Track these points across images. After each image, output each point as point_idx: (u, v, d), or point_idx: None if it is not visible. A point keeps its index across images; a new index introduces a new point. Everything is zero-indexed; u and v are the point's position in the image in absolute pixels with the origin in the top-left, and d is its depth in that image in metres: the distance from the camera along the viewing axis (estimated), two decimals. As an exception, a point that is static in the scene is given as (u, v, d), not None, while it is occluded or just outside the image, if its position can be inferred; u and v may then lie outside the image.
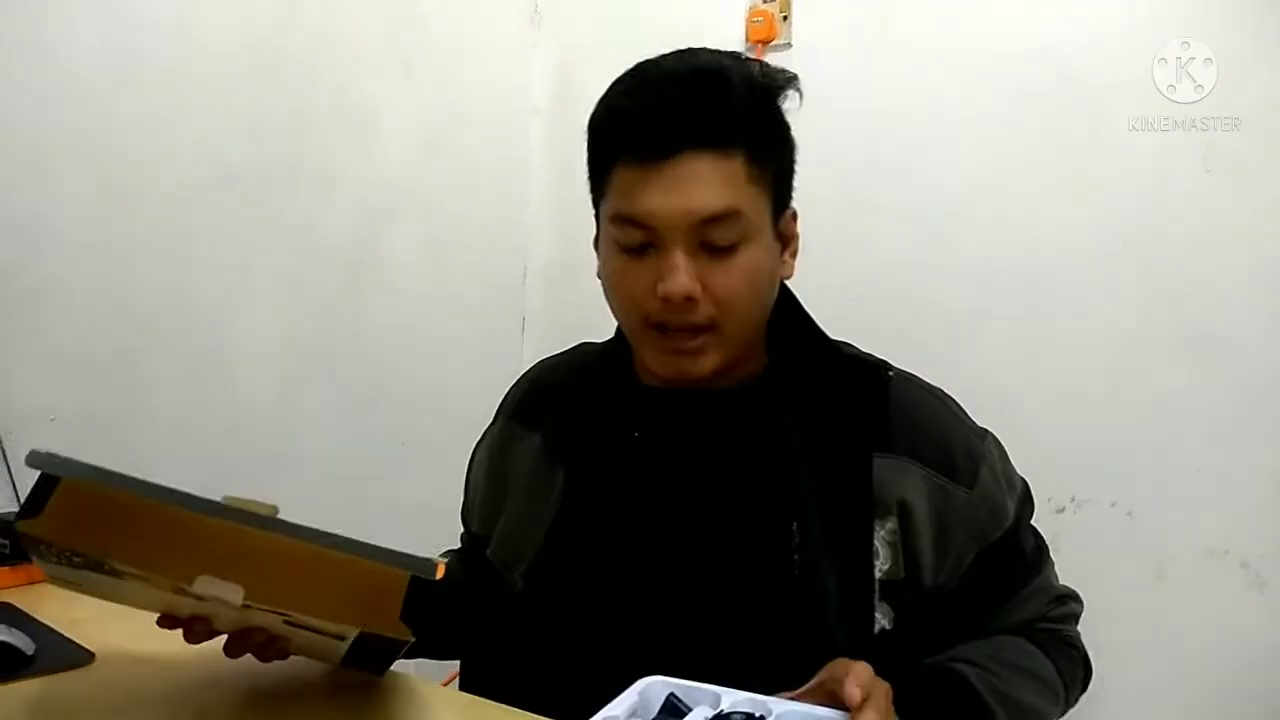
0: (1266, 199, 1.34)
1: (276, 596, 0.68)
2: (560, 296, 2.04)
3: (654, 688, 0.65)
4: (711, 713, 0.61)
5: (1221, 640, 1.36)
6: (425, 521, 1.22)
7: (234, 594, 0.67)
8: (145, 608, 0.78)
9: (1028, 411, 1.42)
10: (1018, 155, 1.53)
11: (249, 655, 0.77)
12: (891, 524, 0.81)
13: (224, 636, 0.76)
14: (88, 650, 0.86)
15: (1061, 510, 1.41)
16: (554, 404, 0.94)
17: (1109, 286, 1.45)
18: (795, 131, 0.83)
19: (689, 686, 0.65)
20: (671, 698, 0.64)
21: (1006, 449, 0.89)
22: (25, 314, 1.35)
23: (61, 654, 0.85)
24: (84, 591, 0.80)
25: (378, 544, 0.66)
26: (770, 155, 0.81)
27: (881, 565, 0.80)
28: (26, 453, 0.62)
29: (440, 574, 0.73)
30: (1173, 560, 1.39)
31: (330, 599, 0.69)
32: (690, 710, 0.62)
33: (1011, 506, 0.86)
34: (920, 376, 0.89)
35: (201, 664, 0.81)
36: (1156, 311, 1.42)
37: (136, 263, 1.47)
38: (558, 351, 1.01)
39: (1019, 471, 0.90)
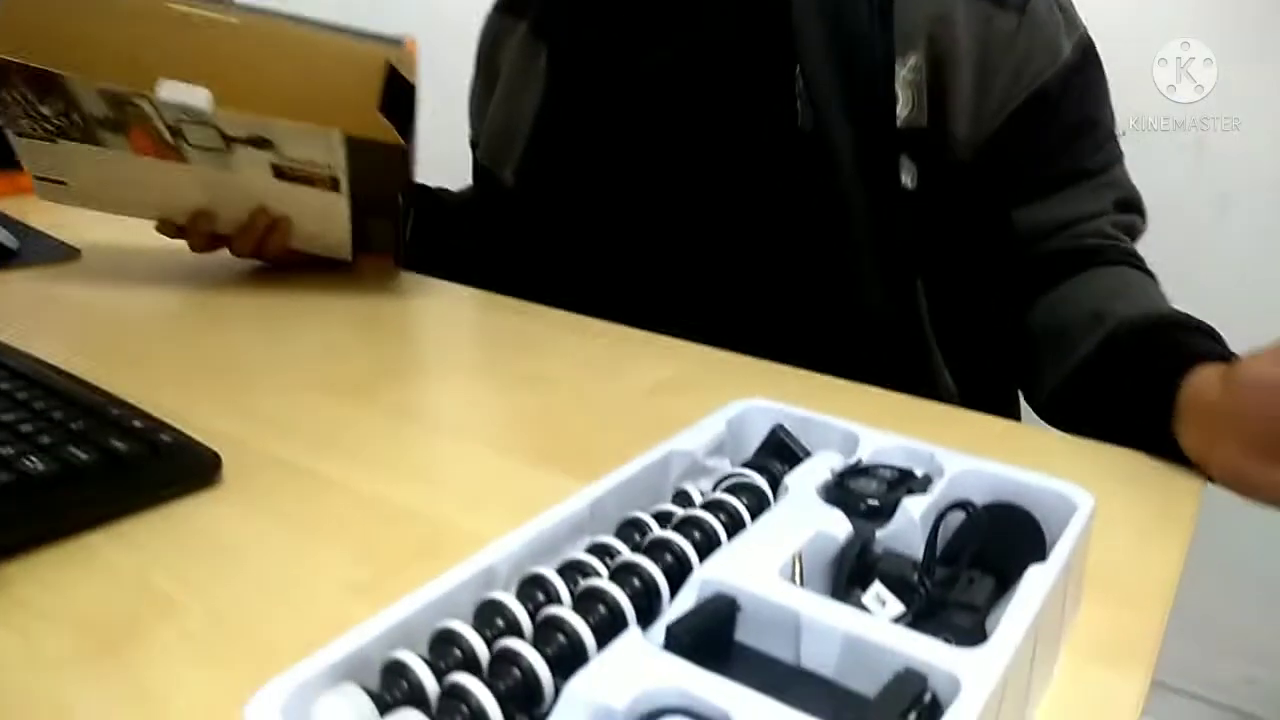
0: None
1: (247, 99, 0.66)
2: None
3: (752, 415, 0.42)
4: (842, 461, 0.38)
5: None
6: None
7: (201, 98, 0.66)
8: (138, 210, 0.77)
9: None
10: None
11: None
12: (914, 60, 0.69)
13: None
14: (74, 247, 0.85)
15: (1122, 134, 1.37)
16: None
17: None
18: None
19: (807, 418, 0.41)
20: (779, 432, 0.41)
21: None
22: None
23: (46, 250, 0.84)
24: (73, 198, 0.78)
25: (345, 26, 0.65)
26: None
27: (902, 110, 0.69)
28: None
29: (412, 48, 0.67)
30: (1238, 193, 1.33)
31: (304, 96, 0.67)
32: (809, 454, 0.40)
33: (1067, 46, 0.71)
34: None
35: (192, 258, 0.80)
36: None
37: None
38: None
39: None
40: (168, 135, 0.71)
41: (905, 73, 0.68)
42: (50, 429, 0.46)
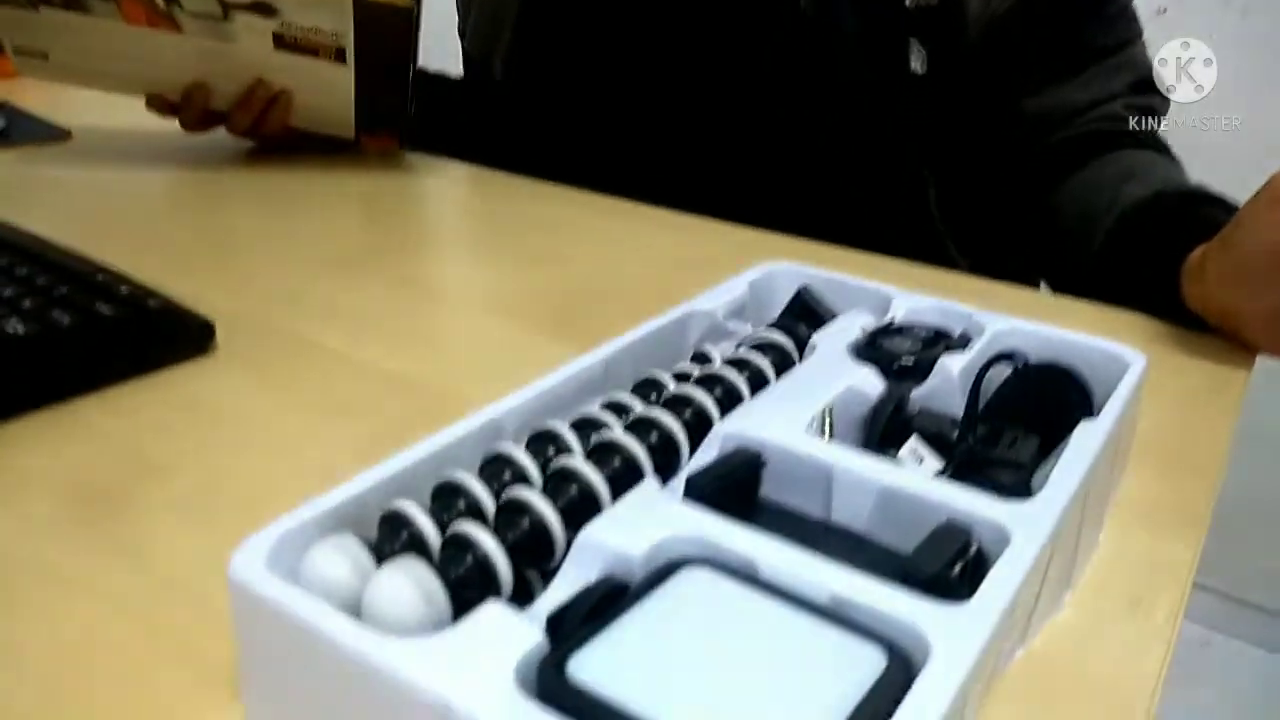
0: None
1: None
2: None
3: (775, 278, 0.40)
4: (874, 321, 0.36)
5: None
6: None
7: None
8: (126, 85, 0.73)
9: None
10: None
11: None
12: None
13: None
14: (64, 128, 0.82)
15: (1163, 10, 1.29)
16: None
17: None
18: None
19: (836, 279, 0.39)
20: (804, 294, 0.39)
21: None
22: None
23: (37, 130, 0.81)
24: (55, 73, 0.73)
25: None
26: None
27: None
28: None
29: None
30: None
31: None
32: (835, 314, 0.38)
33: None
34: None
35: (187, 138, 0.78)
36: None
37: None
38: None
39: None
40: (161, 1, 0.67)
41: None
42: (32, 293, 0.43)
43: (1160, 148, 0.68)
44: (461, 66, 0.89)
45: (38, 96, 0.89)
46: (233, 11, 0.67)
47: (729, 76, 0.71)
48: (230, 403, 0.41)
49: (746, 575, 0.22)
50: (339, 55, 0.70)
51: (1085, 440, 0.28)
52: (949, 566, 0.22)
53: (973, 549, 0.23)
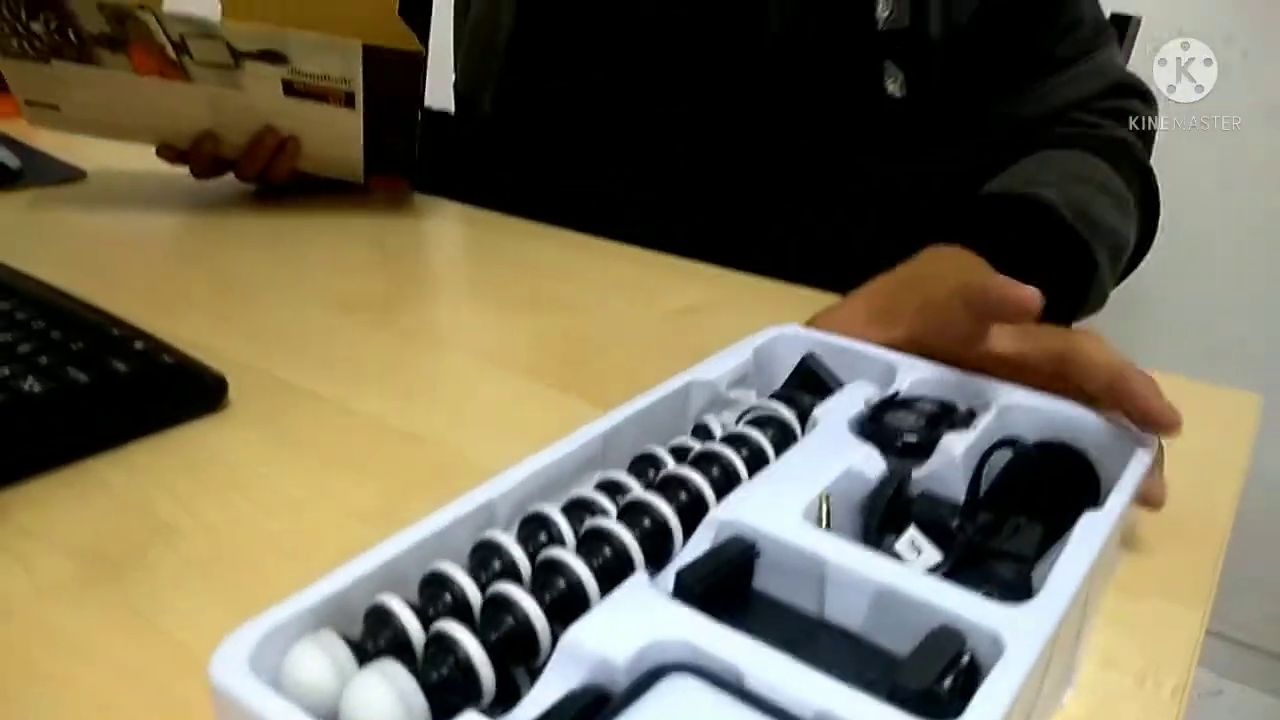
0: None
1: (259, 9, 0.65)
2: None
3: (780, 344, 0.39)
4: (877, 393, 0.35)
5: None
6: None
7: (211, 9, 0.64)
8: (136, 134, 0.74)
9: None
10: None
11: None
12: None
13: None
14: (78, 168, 0.83)
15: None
16: None
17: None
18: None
19: (841, 345, 0.38)
20: (809, 361, 0.38)
21: None
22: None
23: (51, 170, 0.82)
24: (66, 123, 0.75)
25: None
26: None
27: (882, 12, 0.66)
28: None
29: None
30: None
31: (319, 5, 0.66)
32: (841, 385, 0.37)
33: None
34: None
35: (198, 182, 0.79)
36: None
37: None
38: None
39: None
40: (171, 52, 0.68)
41: None
42: (48, 349, 0.44)
43: (1120, 148, 0.67)
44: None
45: (54, 134, 0.91)
46: (243, 60, 0.68)
47: (706, 103, 0.72)
48: (242, 460, 0.41)
49: (732, 685, 0.22)
50: (348, 100, 0.70)
51: (1089, 535, 0.27)
52: (939, 680, 0.22)
53: (965, 659, 0.23)
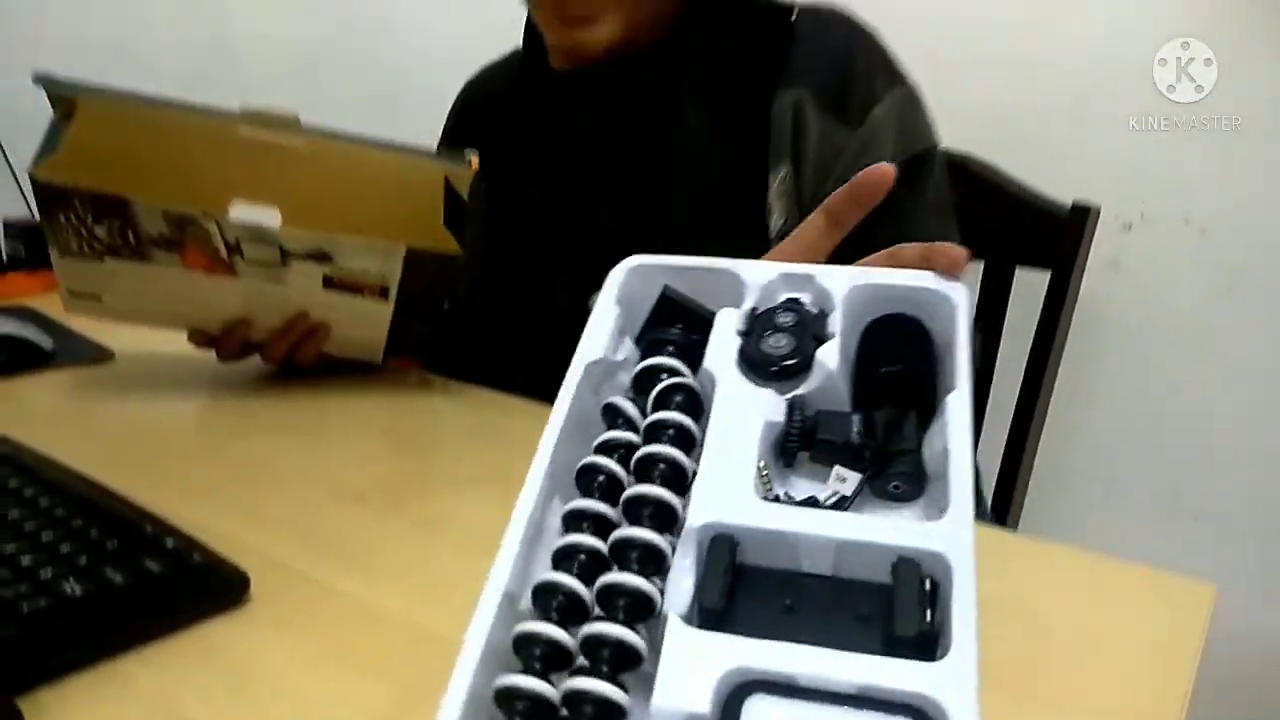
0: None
1: (314, 217, 0.69)
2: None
3: (633, 284, 0.41)
4: (742, 317, 0.39)
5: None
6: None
7: (272, 218, 0.68)
8: (171, 321, 0.77)
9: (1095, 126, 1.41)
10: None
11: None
12: (784, 171, 0.76)
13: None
14: (106, 348, 0.88)
15: (1129, 228, 1.39)
16: (477, 118, 0.95)
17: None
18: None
19: (686, 266, 0.41)
20: (668, 296, 0.41)
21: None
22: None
23: (81, 351, 0.87)
24: (105, 312, 0.77)
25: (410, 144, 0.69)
26: None
27: (775, 221, 0.75)
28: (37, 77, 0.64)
29: (475, 165, 0.72)
30: (1244, 274, 1.35)
31: (368, 211, 0.71)
32: (711, 313, 0.40)
33: (891, 159, 0.74)
34: (855, 15, 0.82)
35: (222, 364, 0.81)
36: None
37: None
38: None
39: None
40: (224, 252, 0.70)
41: (777, 185, 0.74)
42: (87, 549, 0.48)
43: None
44: None
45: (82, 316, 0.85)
46: (290, 259, 0.71)
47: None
48: (263, 658, 0.44)
49: (794, 688, 0.28)
50: (382, 293, 0.75)
51: (958, 416, 0.35)
52: (925, 619, 0.29)
53: (928, 585, 0.30)
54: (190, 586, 0.47)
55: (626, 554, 0.32)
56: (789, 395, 0.37)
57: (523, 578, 0.32)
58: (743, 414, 0.36)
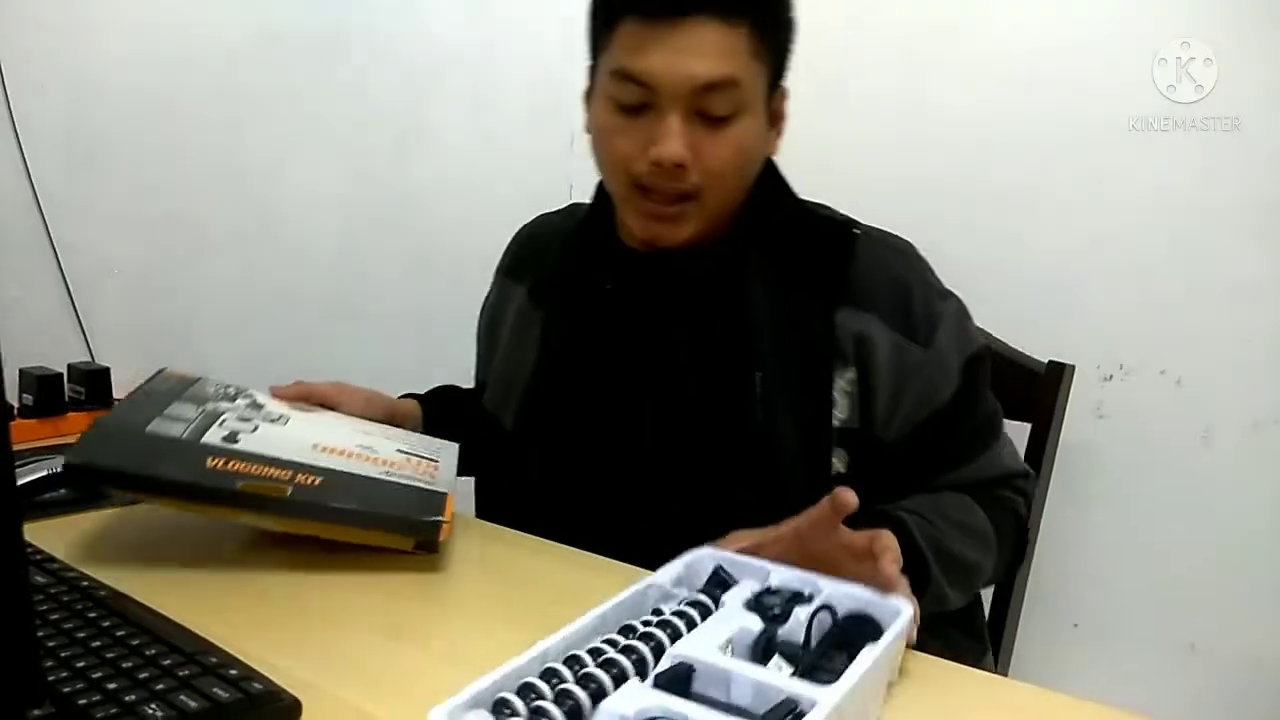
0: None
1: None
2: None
3: (702, 561, 0.63)
4: (759, 587, 0.60)
5: (1269, 510, 1.33)
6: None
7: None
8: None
9: (1077, 279, 1.42)
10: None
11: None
12: (851, 374, 0.85)
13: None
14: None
15: (1109, 378, 1.40)
16: (539, 258, 1.00)
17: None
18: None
19: (736, 560, 0.63)
20: (719, 570, 0.62)
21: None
22: (84, 176, 1.45)
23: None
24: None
25: (386, 512, 0.75)
26: (774, 31, 0.84)
27: (839, 414, 0.85)
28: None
29: (448, 530, 0.76)
30: (1220, 430, 1.36)
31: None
32: (737, 582, 0.61)
33: (957, 369, 0.87)
34: (893, 234, 0.91)
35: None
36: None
37: (187, 123, 1.54)
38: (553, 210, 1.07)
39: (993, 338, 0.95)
40: None
41: (843, 383, 0.85)
42: (163, 676, 0.53)
43: (1004, 507, 0.90)
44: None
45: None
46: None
47: (691, 470, 0.88)
48: None
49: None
50: None
51: (865, 655, 0.52)
52: None
53: (797, 710, 0.47)
54: (253, 713, 0.51)
55: (629, 656, 0.51)
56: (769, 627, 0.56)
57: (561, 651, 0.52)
58: (730, 620, 0.56)
